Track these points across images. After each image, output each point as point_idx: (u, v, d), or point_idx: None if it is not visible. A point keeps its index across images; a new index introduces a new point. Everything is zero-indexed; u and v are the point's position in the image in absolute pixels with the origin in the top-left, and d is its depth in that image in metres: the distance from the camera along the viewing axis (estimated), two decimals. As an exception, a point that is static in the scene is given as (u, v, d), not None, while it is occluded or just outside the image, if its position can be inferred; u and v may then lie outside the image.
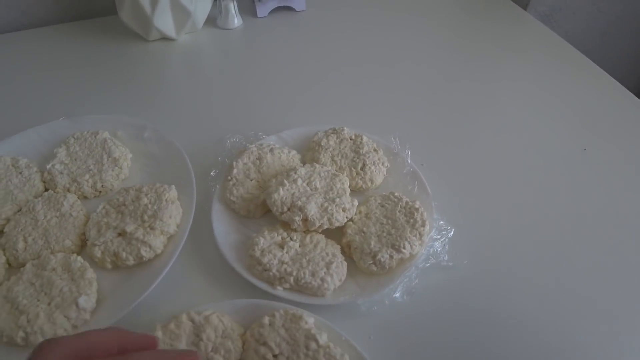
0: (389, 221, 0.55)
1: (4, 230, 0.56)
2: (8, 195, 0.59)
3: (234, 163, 0.59)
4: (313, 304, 0.49)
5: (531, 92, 0.80)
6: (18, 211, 0.58)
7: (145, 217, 0.54)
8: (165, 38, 0.86)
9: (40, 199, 0.58)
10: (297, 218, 0.52)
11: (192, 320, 0.46)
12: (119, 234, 0.53)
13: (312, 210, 0.53)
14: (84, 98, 0.76)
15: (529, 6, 0.96)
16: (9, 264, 0.54)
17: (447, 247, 0.55)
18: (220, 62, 0.85)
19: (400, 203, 0.56)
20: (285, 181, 0.55)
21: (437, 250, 0.54)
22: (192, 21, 0.83)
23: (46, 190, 0.61)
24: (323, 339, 0.45)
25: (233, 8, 0.87)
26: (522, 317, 0.50)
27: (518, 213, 0.60)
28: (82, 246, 0.55)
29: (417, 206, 0.56)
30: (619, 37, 1.11)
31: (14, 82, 0.79)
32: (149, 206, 0.55)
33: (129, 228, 0.53)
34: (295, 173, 0.56)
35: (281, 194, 0.54)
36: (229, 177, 0.58)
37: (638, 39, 1.14)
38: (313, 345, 0.44)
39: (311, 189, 0.55)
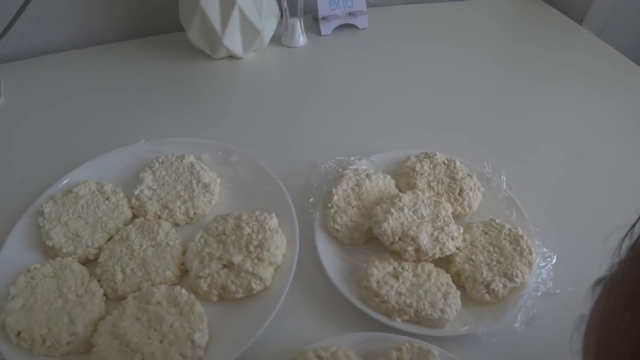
0: (496, 249, 0.55)
1: (99, 260, 0.55)
2: (97, 223, 0.59)
3: (334, 190, 0.59)
4: (433, 336, 0.49)
5: (606, 110, 0.82)
6: (109, 239, 0.58)
7: (251, 248, 0.54)
8: (231, 56, 0.86)
9: (132, 226, 0.58)
10: (409, 248, 0.53)
11: (320, 357, 0.46)
12: (224, 265, 0.53)
13: (425, 240, 0.53)
14: (158, 118, 0.76)
15: (584, 21, 0.98)
16: (106, 296, 0.53)
17: (551, 274, 0.55)
18: (290, 80, 0.86)
19: (504, 230, 0.57)
20: (392, 209, 0.55)
21: (543, 278, 0.55)
22: (260, 39, 0.83)
23: (134, 216, 0.61)
24: (457, 373, 0.45)
25: (299, 26, 0.88)
26: None
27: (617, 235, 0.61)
28: (182, 277, 0.55)
29: (520, 233, 0.56)
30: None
31: (83, 101, 0.79)
32: (253, 235, 0.55)
33: (237, 260, 0.53)
34: (400, 201, 0.57)
35: (391, 224, 0.54)
36: (330, 205, 0.58)
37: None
38: (446, 380, 0.45)
39: (418, 218, 0.56)
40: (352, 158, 0.65)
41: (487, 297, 0.52)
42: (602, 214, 0.64)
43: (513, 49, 0.97)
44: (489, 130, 0.77)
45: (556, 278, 0.55)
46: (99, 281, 0.54)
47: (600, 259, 0.57)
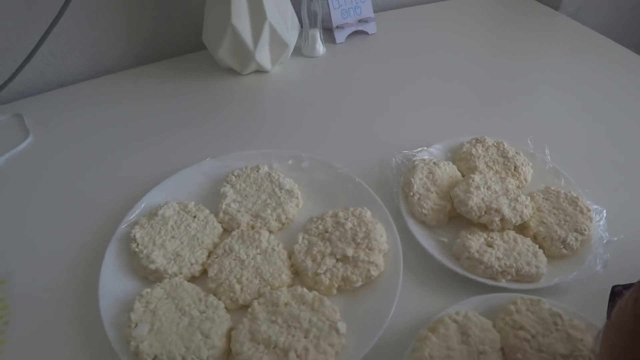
0: (560, 211, 0.66)
1: (209, 275, 0.59)
2: (193, 241, 0.62)
3: (412, 180, 0.67)
4: (534, 289, 0.59)
5: (592, 80, 0.97)
6: (208, 255, 0.62)
7: (358, 240, 0.60)
8: (258, 70, 0.91)
9: (231, 239, 0.62)
10: (496, 219, 0.62)
11: (455, 321, 0.53)
12: (338, 260, 0.59)
13: (506, 210, 0.63)
14: (206, 137, 0.81)
15: (560, 7, 1.15)
16: (226, 308, 0.56)
17: (606, 225, 0.67)
18: (318, 88, 0.93)
19: (561, 195, 0.67)
20: (471, 189, 0.64)
21: (601, 229, 0.66)
22: (287, 52, 0.89)
23: (225, 230, 0.65)
24: (565, 314, 0.54)
25: (319, 37, 0.95)
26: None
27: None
28: (294, 278, 0.60)
29: (576, 195, 0.67)
30: (634, 23, 1.35)
31: (122, 129, 0.82)
32: (357, 229, 0.61)
33: (350, 252, 0.59)
34: (474, 181, 0.66)
35: (475, 201, 0.63)
36: (412, 193, 0.66)
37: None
38: (559, 321, 0.54)
39: (493, 193, 0.65)
40: (414, 151, 0.74)
41: (565, 251, 0.62)
42: (629, 168, 0.77)
43: (507, 36, 1.11)
44: (513, 111, 0.89)
45: (610, 228, 0.66)
46: (214, 295, 0.57)
47: (637, 210, 0.69)
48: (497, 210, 0.62)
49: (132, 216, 0.65)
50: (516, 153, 0.73)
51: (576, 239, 0.62)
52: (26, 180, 0.74)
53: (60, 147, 0.79)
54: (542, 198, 0.68)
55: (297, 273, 0.60)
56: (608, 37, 1.08)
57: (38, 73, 0.89)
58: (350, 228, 0.62)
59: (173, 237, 0.62)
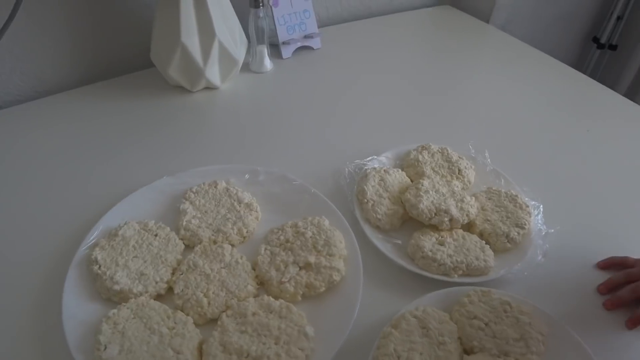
0: (502, 209, 0.72)
1: (175, 292, 0.60)
2: (156, 259, 0.63)
3: (365, 187, 0.71)
4: (483, 281, 0.64)
5: (521, 86, 1.07)
6: (173, 273, 0.63)
7: (319, 247, 0.64)
8: (208, 87, 0.94)
9: (194, 255, 0.64)
10: (445, 219, 0.67)
11: (415, 316, 0.58)
12: (301, 268, 0.63)
13: (454, 210, 0.68)
14: (158, 155, 0.82)
15: (490, 19, 1.24)
16: (195, 323, 0.58)
17: (543, 219, 0.74)
18: (267, 102, 0.96)
19: (502, 194, 0.74)
20: (420, 193, 0.69)
21: (539, 222, 0.73)
22: (237, 68, 0.92)
23: (187, 247, 0.67)
24: (513, 301, 0.60)
25: (267, 53, 0.98)
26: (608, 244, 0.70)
27: (575, 180, 0.83)
28: (259, 289, 0.63)
29: (515, 193, 0.74)
30: (555, 33, 1.48)
31: (73, 150, 0.82)
32: (317, 237, 0.65)
33: (312, 259, 0.62)
34: (423, 185, 0.71)
35: (425, 204, 0.68)
36: (365, 200, 0.70)
37: (569, 34, 1.55)
38: (508, 308, 0.59)
39: (441, 195, 0.70)
40: (365, 160, 0.78)
41: (509, 245, 0.68)
42: (559, 165, 0.85)
43: (442, 47, 1.19)
44: (452, 118, 0.95)
45: (547, 221, 0.73)
46: (182, 311, 0.58)
47: (570, 200, 0.77)
48: (446, 212, 0.68)
49: (92, 238, 0.65)
50: (459, 157, 0.79)
51: (518, 233, 0.69)
52: (-27, 208, 0.72)
53: (6, 172, 0.78)
54: (485, 198, 0.74)
55: (262, 283, 0.63)
56: (534, 47, 1.19)
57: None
58: (311, 236, 0.65)
59: (135, 256, 0.63)
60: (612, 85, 1.51)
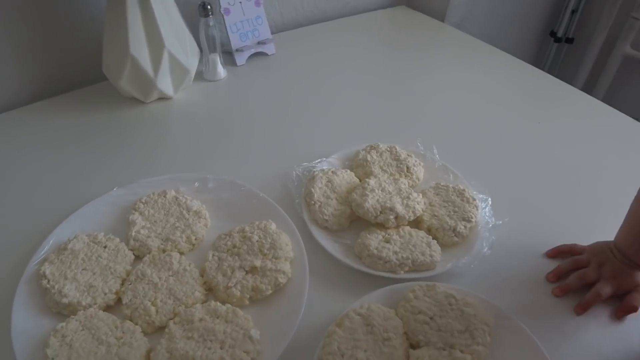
0: (449, 203, 0.73)
1: (124, 302, 0.60)
2: (106, 270, 0.64)
3: (312, 189, 0.72)
4: (430, 276, 0.65)
5: (474, 82, 1.08)
6: (122, 283, 0.64)
7: (265, 251, 0.64)
8: (162, 98, 0.94)
9: (143, 265, 0.64)
10: (391, 217, 0.68)
11: (359, 314, 0.58)
12: (247, 272, 0.63)
13: (400, 208, 0.69)
14: (114, 166, 0.82)
15: (445, 18, 1.26)
16: (143, 332, 0.58)
17: (492, 211, 0.75)
18: (221, 110, 0.96)
19: (450, 189, 0.75)
20: (366, 192, 0.70)
21: (487, 215, 0.74)
22: (189, 78, 0.93)
23: (137, 257, 0.67)
24: (458, 294, 0.61)
25: (219, 61, 0.99)
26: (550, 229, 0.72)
27: (524, 172, 0.84)
28: (207, 295, 0.63)
29: (462, 188, 0.75)
30: (509, 30, 1.51)
31: (25, 165, 0.82)
32: (263, 241, 0.66)
33: (258, 263, 0.63)
34: (369, 184, 0.72)
35: (370, 203, 0.69)
36: (313, 202, 0.71)
37: (526, 30, 1.58)
38: (453, 301, 0.60)
39: (387, 194, 0.71)
40: (313, 162, 0.79)
41: (456, 238, 0.69)
42: (508, 158, 0.87)
43: (398, 48, 1.21)
44: (404, 117, 0.97)
45: (495, 213, 0.74)
46: (131, 320, 0.59)
47: (519, 192, 0.78)
48: (392, 209, 0.68)
49: (42, 253, 0.65)
50: (408, 155, 0.80)
51: (465, 227, 0.70)
52: None
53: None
54: (433, 193, 0.75)
55: (210, 289, 0.63)
56: (492, 43, 1.20)
57: None
58: (257, 240, 0.66)
59: (84, 269, 0.63)
60: (571, 77, 1.55)
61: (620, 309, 0.64)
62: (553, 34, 1.59)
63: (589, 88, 1.58)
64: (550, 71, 1.59)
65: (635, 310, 0.64)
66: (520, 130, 0.94)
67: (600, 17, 1.48)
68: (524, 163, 0.86)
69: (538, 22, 1.58)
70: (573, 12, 1.50)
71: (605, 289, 0.64)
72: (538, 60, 1.69)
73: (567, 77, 1.60)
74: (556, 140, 0.92)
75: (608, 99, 1.15)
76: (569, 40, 1.58)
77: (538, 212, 0.77)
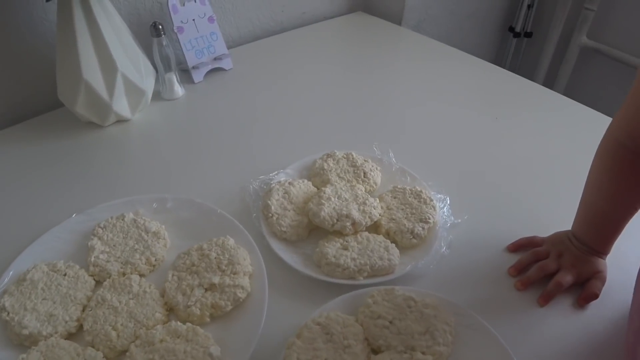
0: (407, 206, 0.74)
1: (85, 329, 0.60)
2: (66, 298, 0.64)
3: (269, 202, 0.73)
4: (389, 280, 0.66)
5: (432, 83, 1.10)
6: (83, 310, 0.64)
7: (223, 267, 0.65)
8: (120, 120, 0.94)
9: (102, 290, 0.64)
10: (347, 224, 0.69)
11: (318, 323, 0.59)
12: (206, 290, 0.64)
13: (356, 214, 0.70)
14: (73, 192, 0.82)
15: (402, 21, 1.28)
16: (105, 357, 0.58)
17: (450, 210, 0.76)
18: (181, 128, 0.97)
19: (407, 191, 0.76)
20: (322, 201, 0.71)
21: (446, 214, 0.75)
22: (145, 98, 0.93)
23: (97, 282, 0.67)
24: (417, 296, 0.62)
25: (176, 79, 0.99)
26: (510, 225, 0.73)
27: (482, 169, 0.86)
28: (168, 315, 0.64)
29: (419, 189, 0.76)
30: (468, 29, 1.53)
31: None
32: (221, 257, 0.66)
33: (216, 280, 0.63)
34: (325, 193, 0.73)
35: (326, 211, 0.70)
36: (270, 214, 0.72)
37: (485, 27, 1.61)
38: (412, 303, 0.61)
39: (343, 201, 0.72)
40: (270, 175, 0.80)
41: (414, 240, 0.70)
42: (466, 156, 0.88)
43: (357, 54, 1.23)
44: (362, 123, 0.98)
45: (454, 212, 0.76)
46: (92, 347, 0.59)
47: (478, 190, 0.80)
48: (348, 216, 0.69)
49: (2, 285, 0.65)
50: (364, 161, 0.81)
51: (423, 228, 0.71)
52: None
53: None
54: (391, 197, 0.76)
55: (172, 309, 0.64)
56: (451, 43, 1.23)
57: None
58: (215, 257, 0.66)
59: (44, 298, 0.63)
60: (532, 71, 1.58)
61: (581, 296, 0.65)
62: (512, 29, 1.62)
63: (550, 81, 1.61)
64: (512, 66, 1.63)
65: (596, 297, 0.65)
66: (479, 128, 0.96)
67: (555, 10, 1.52)
68: (482, 160, 0.88)
69: (496, 18, 1.61)
70: (529, 6, 1.53)
71: (566, 278, 0.66)
72: (499, 56, 1.72)
73: (529, 71, 1.63)
74: (514, 136, 0.94)
75: (569, 91, 1.18)
76: (528, 35, 1.61)
77: (497, 208, 0.79)
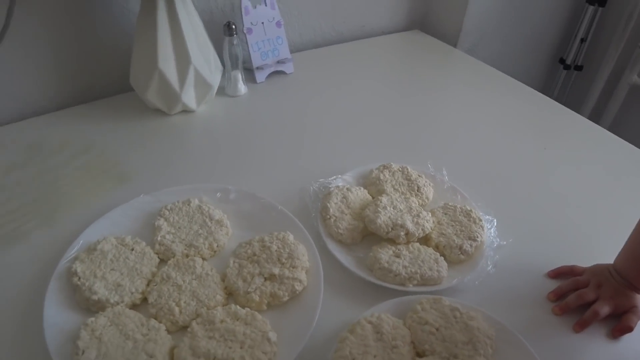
0: (457, 223, 0.79)
1: (150, 302, 0.66)
2: (132, 271, 0.69)
3: (327, 204, 0.78)
4: (437, 290, 0.71)
5: (483, 107, 1.15)
6: (147, 284, 0.69)
7: (283, 260, 0.70)
8: (185, 110, 1.01)
9: (168, 267, 0.70)
10: (401, 233, 0.74)
11: (370, 322, 0.64)
12: (266, 279, 0.69)
13: (410, 225, 0.75)
14: (142, 174, 0.89)
15: (457, 44, 1.34)
16: (167, 330, 0.64)
17: (497, 232, 0.81)
18: (241, 125, 1.03)
19: (457, 209, 0.81)
20: (379, 209, 0.76)
21: (492, 235, 0.80)
22: (211, 92, 1.00)
23: (161, 260, 0.73)
24: (462, 308, 0.67)
25: (241, 77, 1.06)
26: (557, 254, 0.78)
27: (529, 195, 0.90)
28: (228, 298, 0.69)
29: (469, 209, 0.81)
30: (519, 56, 1.58)
31: (57, 168, 0.88)
32: (281, 250, 0.71)
33: (276, 270, 0.69)
34: (381, 202, 0.78)
35: (383, 219, 0.75)
36: (328, 216, 0.77)
37: (536, 55, 1.65)
38: (457, 314, 0.66)
39: (398, 211, 0.77)
40: (329, 179, 0.85)
41: (462, 256, 0.75)
42: (514, 181, 0.93)
43: (411, 71, 1.29)
44: (415, 138, 1.03)
45: (500, 234, 0.80)
46: (155, 319, 0.64)
47: (523, 216, 0.84)
48: (402, 226, 0.75)
49: (72, 252, 0.71)
50: (419, 176, 0.87)
51: (471, 245, 0.75)
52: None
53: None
54: (442, 213, 0.81)
55: (231, 293, 0.69)
56: (502, 68, 1.27)
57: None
58: (275, 250, 0.72)
59: (113, 269, 0.69)
60: (579, 104, 1.61)
61: (616, 328, 0.69)
62: (562, 61, 1.65)
63: (596, 115, 1.64)
64: (559, 97, 1.67)
65: (630, 330, 0.68)
66: (527, 155, 1.01)
67: (609, 46, 1.55)
68: (529, 187, 0.92)
69: (548, 49, 1.66)
70: (582, 40, 1.57)
71: (604, 309, 0.69)
72: (547, 85, 1.75)
73: (576, 103, 1.67)
74: (561, 166, 0.98)
75: (615, 128, 1.21)
76: (578, 68, 1.64)
77: (541, 234, 0.83)
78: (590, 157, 1.02)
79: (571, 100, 1.72)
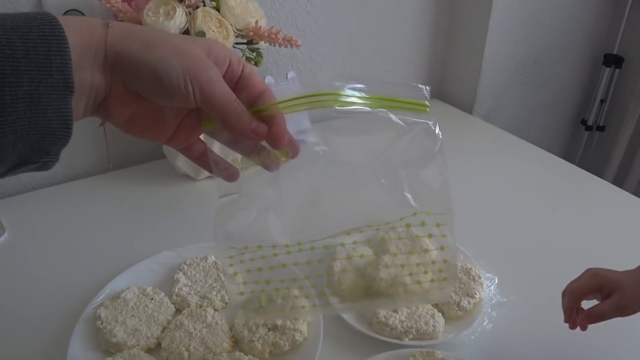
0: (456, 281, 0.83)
1: (162, 346, 0.73)
2: (150, 318, 0.77)
3: (332, 263, 0.84)
4: (432, 344, 0.74)
5: (498, 174, 1.19)
6: (162, 330, 0.77)
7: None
8: (210, 176, 1.11)
9: (182, 316, 0.77)
10: (400, 290, 0.79)
11: (364, 372, 0.68)
12: (269, 329, 0.75)
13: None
14: (166, 232, 0.98)
15: (473, 110, 1.40)
16: None
17: (497, 289, 0.84)
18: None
19: (457, 267, 0.85)
20: (381, 267, 0.82)
21: (493, 292, 0.83)
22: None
23: (177, 310, 0.81)
24: (455, 360, 0.70)
25: (263, 143, 1.16)
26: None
27: (533, 253, 0.93)
28: (234, 346, 0.75)
29: (469, 266, 0.85)
30: (539, 120, 1.62)
31: (92, 227, 0.99)
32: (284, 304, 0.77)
33: (279, 322, 0.75)
34: (383, 260, 0.83)
35: (383, 277, 0.80)
36: (332, 274, 0.83)
37: (556, 118, 1.69)
38: (449, 369, 0.69)
39: (398, 269, 0.82)
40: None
41: (460, 312, 0.78)
42: (521, 243, 0.96)
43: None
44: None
45: (501, 291, 0.83)
46: (166, 362, 0.72)
47: (527, 274, 0.87)
48: (401, 283, 0.79)
49: (99, 299, 0.80)
50: (422, 236, 0.91)
51: (469, 302, 0.79)
52: (2, 269, 0.89)
53: (33, 242, 0.95)
54: (443, 270, 0.85)
55: (237, 342, 0.75)
56: (517, 132, 1.32)
57: (14, 177, 1.06)
58: (279, 303, 0.78)
59: (133, 315, 0.77)
60: (603, 164, 1.62)
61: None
62: (584, 122, 1.68)
63: (621, 176, 1.65)
64: (582, 158, 1.69)
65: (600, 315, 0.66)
66: (536, 215, 1.04)
67: (628, 106, 1.58)
68: (535, 246, 0.95)
69: (568, 110, 1.69)
70: (602, 101, 1.61)
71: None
72: (570, 147, 1.78)
73: (600, 164, 1.68)
74: (570, 226, 1.00)
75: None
76: (600, 128, 1.67)
77: (544, 294, 0.83)
78: (610, 219, 1.04)
79: (595, 161, 1.73)
